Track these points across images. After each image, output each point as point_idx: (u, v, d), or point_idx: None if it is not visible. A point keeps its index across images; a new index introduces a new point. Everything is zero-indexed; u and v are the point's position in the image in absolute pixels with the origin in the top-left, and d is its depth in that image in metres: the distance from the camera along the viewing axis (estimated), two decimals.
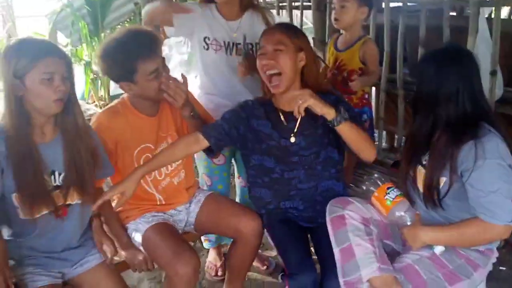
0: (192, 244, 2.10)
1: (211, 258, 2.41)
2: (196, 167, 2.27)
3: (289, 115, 1.78)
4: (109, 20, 5.31)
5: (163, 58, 1.75)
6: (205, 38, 2.03)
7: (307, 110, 1.63)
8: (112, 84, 5.21)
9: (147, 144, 1.83)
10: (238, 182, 2.35)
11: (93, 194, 1.64)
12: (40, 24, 6.75)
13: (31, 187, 1.47)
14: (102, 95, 5.56)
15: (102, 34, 5.34)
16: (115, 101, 1.84)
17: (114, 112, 1.79)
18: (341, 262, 1.55)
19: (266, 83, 1.77)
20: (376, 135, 3.14)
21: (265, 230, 1.88)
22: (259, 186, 1.88)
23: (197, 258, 1.71)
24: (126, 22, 5.98)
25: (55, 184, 1.56)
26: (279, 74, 1.71)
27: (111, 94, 5.35)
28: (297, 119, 1.76)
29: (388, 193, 1.61)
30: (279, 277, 1.73)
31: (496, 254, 1.60)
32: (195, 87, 2.15)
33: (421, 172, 1.56)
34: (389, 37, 3.00)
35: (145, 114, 1.82)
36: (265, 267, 2.42)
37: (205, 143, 1.76)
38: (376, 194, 1.63)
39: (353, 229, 1.57)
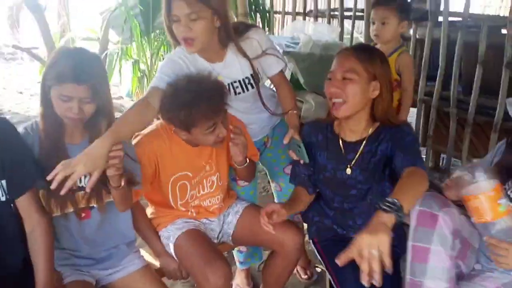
0: (225, 253, 2.06)
1: (239, 281, 2.33)
2: None
3: (349, 145, 1.67)
4: (160, 20, 5.39)
5: (225, 110, 1.65)
6: None
7: (370, 139, 1.62)
8: None
9: (185, 172, 1.79)
10: (273, 186, 2.30)
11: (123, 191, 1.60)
12: (93, 21, 6.96)
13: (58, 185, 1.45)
14: None
15: (152, 34, 5.44)
16: (158, 124, 1.77)
17: (156, 136, 1.74)
18: (411, 259, 1.45)
19: (330, 105, 1.63)
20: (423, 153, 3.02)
21: (311, 242, 1.82)
22: (316, 210, 1.83)
23: (229, 267, 1.68)
24: None
25: (80, 185, 1.57)
26: (344, 102, 1.57)
27: None
28: (359, 150, 1.65)
29: (502, 198, 1.35)
30: None
31: None
32: None
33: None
34: (445, 52, 2.88)
35: (187, 142, 1.76)
36: (306, 276, 2.35)
37: None
38: (490, 192, 1.34)
39: (441, 234, 1.42)
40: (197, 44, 1.64)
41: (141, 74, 5.64)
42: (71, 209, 1.56)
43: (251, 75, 1.84)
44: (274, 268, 1.89)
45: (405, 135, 1.59)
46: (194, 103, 1.54)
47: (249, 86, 1.86)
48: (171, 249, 1.78)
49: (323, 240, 1.78)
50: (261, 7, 5.89)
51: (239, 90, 1.84)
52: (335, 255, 1.57)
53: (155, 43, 5.72)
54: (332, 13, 4.08)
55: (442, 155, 3.48)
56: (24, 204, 1.44)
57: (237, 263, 2.32)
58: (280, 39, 3.68)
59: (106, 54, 5.91)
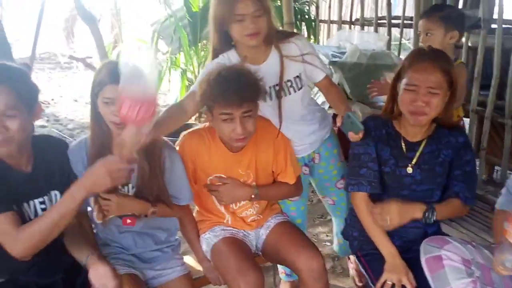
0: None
1: None
2: None
3: (410, 144, 1.68)
4: (207, 31, 5.51)
5: (251, 113, 1.62)
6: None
7: (430, 140, 1.65)
8: None
9: (221, 175, 1.81)
10: (325, 201, 2.27)
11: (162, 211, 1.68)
12: (144, 32, 7.21)
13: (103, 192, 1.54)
14: None
15: (199, 44, 5.56)
16: (203, 125, 1.83)
17: (198, 135, 1.80)
18: None
19: (404, 112, 1.62)
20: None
21: (355, 256, 1.80)
22: (355, 226, 1.80)
23: (262, 278, 1.67)
24: None
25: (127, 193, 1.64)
26: (425, 114, 1.58)
27: None
28: (418, 150, 1.67)
29: None
30: None
31: None
32: None
33: None
34: (499, 61, 2.77)
35: (228, 148, 1.78)
36: (361, 284, 2.32)
37: None
38: None
39: (453, 271, 1.45)
40: (260, 38, 1.72)
41: (189, 83, 5.77)
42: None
43: (295, 77, 1.84)
44: None
45: (465, 153, 1.66)
46: (223, 82, 1.58)
47: (291, 90, 1.85)
48: (208, 255, 1.81)
49: (366, 254, 1.76)
50: (306, 16, 5.90)
51: (291, 89, 1.84)
52: (379, 267, 1.59)
53: (202, 52, 5.85)
54: (379, 21, 4.02)
55: (496, 168, 3.33)
56: None
57: (282, 275, 2.30)
58: (325, 49, 3.67)
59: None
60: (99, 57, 6.49)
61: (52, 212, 1.37)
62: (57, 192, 1.53)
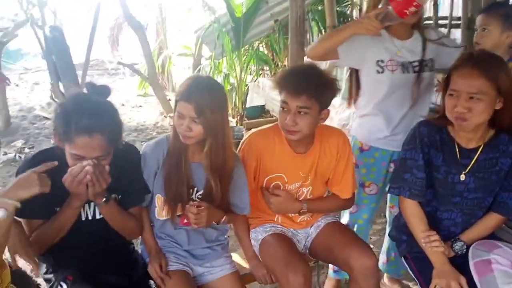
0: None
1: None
2: None
3: (465, 151, 1.63)
4: (249, 36, 5.60)
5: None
6: (378, 61, 1.97)
7: (487, 148, 1.60)
8: (248, 97, 5.49)
9: (281, 174, 1.84)
10: (391, 211, 2.25)
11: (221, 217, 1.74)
12: (188, 38, 7.41)
13: (173, 193, 1.65)
14: (236, 105, 5.88)
15: (242, 49, 5.66)
16: (271, 126, 1.86)
17: (264, 134, 1.84)
18: None
19: (449, 117, 1.58)
20: None
21: (403, 259, 1.79)
22: (402, 230, 1.79)
23: (309, 268, 1.69)
24: (263, 38, 6.28)
25: (192, 197, 1.70)
26: (466, 120, 1.53)
27: (247, 105, 5.62)
28: (474, 157, 1.62)
29: None
30: None
31: None
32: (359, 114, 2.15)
33: None
34: None
35: (293, 148, 1.80)
36: None
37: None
38: None
39: (502, 275, 1.42)
40: (414, 18, 1.88)
41: (231, 87, 5.88)
42: (179, 213, 1.70)
43: (423, 60, 1.97)
44: None
45: None
46: (295, 71, 1.73)
47: (426, 68, 1.98)
48: (256, 249, 1.85)
49: (415, 257, 1.74)
50: (349, 19, 5.88)
51: (417, 69, 1.98)
52: (428, 270, 1.57)
53: (244, 57, 5.94)
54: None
55: None
56: (134, 211, 1.67)
57: (330, 271, 2.32)
58: None
59: (199, 68, 6.26)
60: (146, 63, 6.74)
61: (58, 216, 1.48)
62: (116, 196, 1.60)
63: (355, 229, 2.15)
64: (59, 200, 1.48)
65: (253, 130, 1.89)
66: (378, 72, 1.96)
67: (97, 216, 1.57)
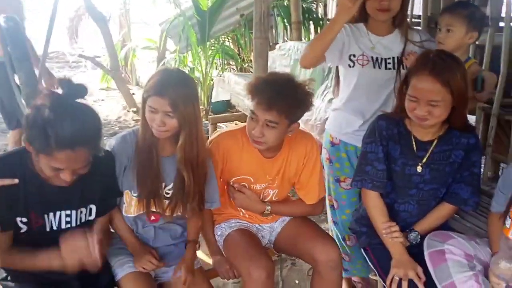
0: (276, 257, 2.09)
1: None
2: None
3: (421, 143, 1.70)
4: (215, 30, 5.56)
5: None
6: (350, 56, 1.98)
7: (441, 140, 1.67)
8: (213, 92, 5.45)
9: (248, 177, 1.84)
10: None
11: (194, 216, 1.74)
12: (152, 31, 7.27)
13: (147, 189, 1.63)
14: (202, 100, 5.83)
15: (208, 43, 5.61)
16: (240, 127, 1.85)
17: (232, 136, 1.82)
18: None
19: (410, 115, 1.63)
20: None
21: (363, 250, 1.83)
22: (362, 222, 1.84)
23: (272, 264, 1.71)
24: (229, 33, 6.25)
25: (165, 194, 1.69)
26: (427, 120, 1.60)
27: (212, 100, 5.58)
28: (429, 149, 1.69)
29: None
30: None
31: None
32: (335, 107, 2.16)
33: None
34: (507, 59, 2.77)
35: (261, 153, 1.80)
36: None
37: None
38: None
39: (455, 264, 1.48)
40: (391, 13, 1.92)
41: (196, 81, 5.82)
42: (153, 209, 1.68)
43: (399, 58, 1.97)
44: None
45: (474, 155, 1.69)
46: (269, 82, 1.69)
47: (395, 65, 1.97)
48: (221, 245, 1.85)
49: (374, 249, 1.79)
50: (314, 15, 5.93)
51: (390, 66, 1.98)
52: (387, 261, 1.62)
53: (210, 51, 5.89)
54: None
55: (501, 165, 3.34)
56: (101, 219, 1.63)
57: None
58: None
59: (164, 62, 6.16)
60: (108, 56, 6.58)
61: (36, 259, 1.41)
62: (93, 206, 1.56)
63: (340, 226, 2.16)
64: (21, 209, 1.41)
65: (221, 130, 1.87)
66: (349, 66, 1.98)
67: (63, 226, 1.51)
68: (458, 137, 1.69)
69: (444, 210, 1.75)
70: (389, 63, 1.98)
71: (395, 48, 1.99)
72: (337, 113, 2.13)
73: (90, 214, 1.56)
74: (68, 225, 1.51)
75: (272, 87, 1.65)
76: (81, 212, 1.54)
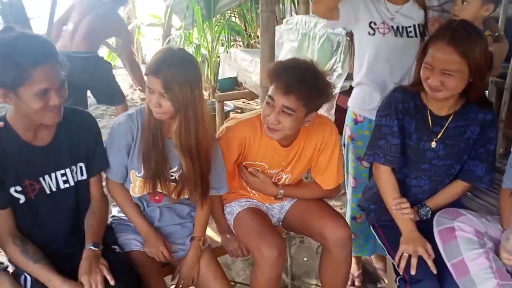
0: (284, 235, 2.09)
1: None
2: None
3: (437, 118, 1.66)
4: (221, 5, 5.46)
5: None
6: (370, 23, 1.95)
7: (457, 116, 1.64)
8: (220, 69, 5.39)
9: (262, 163, 1.82)
10: None
11: (204, 200, 1.71)
12: (156, 7, 7.16)
13: (152, 169, 1.61)
14: (208, 77, 5.78)
15: (213, 19, 5.51)
16: (255, 116, 1.80)
17: (251, 124, 1.77)
18: (456, 277, 1.45)
19: (424, 84, 1.59)
20: None
21: (371, 227, 1.82)
22: (371, 199, 1.82)
23: (283, 242, 1.72)
24: (235, 8, 6.13)
25: (171, 177, 1.67)
26: (440, 91, 1.56)
27: (219, 77, 5.53)
28: (445, 125, 1.65)
29: None
30: (396, 281, 1.62)
31: None
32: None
33: None
34: None
35: (278, 141, 1.77)
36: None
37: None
38: None
39: (465, 241, 1.47)
40: None
41: (202, 58, 5.75)
42: (159, 190, 1.67)
43: (423, 25, 1.95)
44: (324, 270, 1.87)
45: (490, 131, 1.66)
46: (289, 65, 1.65)
47: (418, 33, 1.95)
48: (231, 223, 1.85)
49: (383, 225, 1.78)
50: None
51: (411, 34, 1.95)
52: (396, 237, 1.61)
53: (216, 28, 5.80)
54: None
55: None
56: (94, 182, 1.64)
57: None
58: None
59: (169, 39, 6.09)
60: None
61: (42, 270, 1.40)
62: (82, 164, 1.57)
63: (356, 204, 2.13)
64: (13, 179, 1.41)
65: (236, 116, 1.83)
66: (369, 34, 1.94)
67: (62, 186, 1.52)
68: (475, 112, 1.65)
69: (457, 187, 1.72)
70: (411, 31, 1.94)
71: (415, 15, 1.95)
72: (359, 88, 2.09)
73: (82, 174, 1.57)
74: (67, 185, 1.53)
75: (292, 72, 1.60)
76: (73, 171, 1.54)
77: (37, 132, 1.46)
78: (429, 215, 1.68)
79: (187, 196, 1.69)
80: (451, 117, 1.66)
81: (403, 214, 1.65)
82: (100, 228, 1.58)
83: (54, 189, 1.51)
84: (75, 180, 1.56)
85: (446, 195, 1.72)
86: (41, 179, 1.48)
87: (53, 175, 1.50)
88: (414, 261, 1.54)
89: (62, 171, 1.52)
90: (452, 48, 1.49)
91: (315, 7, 1.98)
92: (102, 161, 1.63)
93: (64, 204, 1.54)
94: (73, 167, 1.55)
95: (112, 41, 6.86)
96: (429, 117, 1.67)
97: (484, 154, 1.67)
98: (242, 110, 5.16)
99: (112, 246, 1.63)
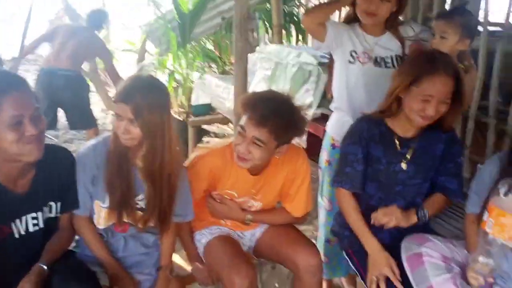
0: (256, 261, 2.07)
1: None
2: None
3: (404, 140, 1.73)
4: (196, 33, 5.52)
5: None
6: (351, 51, 2.01)
7: (422, 136, 1.70)
8: (194, 94, 5.40)
9: (233, 192, 1.82)
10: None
11: (166, 228, 1.69)
12: (132, 33, 7.19)
13: (117, 199, 1.58)
14: (182, 103, 5.77)
15: (188, 46, 5.55)
16: (226, 145, 1.80)
17: (221, 155, 1.77)
18: None
19: (411, 115, 1.65)
20: None
21: (344, 253, 1.83)
22: (344, 225, 1.82)
23: (254, 271, 1.71)
24: (210, 35, 6.21)
25: (138, 206, 1.64)
26: (432, 119, 1.64)
27: (192, 103, 5.53)
28: (412, 146, 1.72)
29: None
30: None
31: None
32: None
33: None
34: (484, 62, 2.82)
35: (248, 170, 1.76)
36: None
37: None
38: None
39: (433, 267, 1.49)
40: (380, 18, 1.96)
41: (176, 84, 5.75)
42: (125, 220, 1.64)
43: (401, 56, 2.02)
44: None
45: (454, 145, 1.76)
46: (265, 97, 1.68)
47: (395, 64, 2.01)
48: (201, 251, 1.82)
49: (356, 251, 1.78)
50: (295, 18, 5.94)
51: (389, 65, 2.01)
52: (363, 255, 1.66)
53: (190, 54, 5.84)
54: None
55: (479, 165, 3.39)
56: (64, 218, 1.61)
57: None
58: (314, 51, 3.69)
59: (142, 65, 6.09)
60: None
61: None
62: (54, 204, 1.54)
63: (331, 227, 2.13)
64: None
65: (206, 146, 1.85)
66: (349, 62, 1.99)
67: (31, 229, 1.47)
68: (438, 132, 1.72)
69: (439, 198, 1.77)
70: (388, 62, 2.00)
71: (393, 46, 2.02)
72: (337, 114, 2.12)
73: (51, 211, 1.54)
74: (36, 227, 1.49)
75: (267, 104, 1.60)
76: (45, 212, 1.51)
77: (16, 181, 1.43)
78: (426, 218, 1.72)
79: (153, 225, 1.66)
80: (417, 137, 1.72)
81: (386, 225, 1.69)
82: (57, 255, 1.53)
83: (23, 232, 1.47)
84: (44, 218, 1.52)
85: (435, 202, 1.77)
86: (12, 223, 1.44)
87: (23, 218, 1.46)
88: (382, 286, 1.57)
89: (34, 214, 1.48)
90: (449, 78, 1.58)
91: (305, 19, 2.04)
92: (75, 200, 1.60)
93: (31, 246, 1.49)
94: (45, 208, 1.51)
95: (85, 66, 6.84)
96: (396, 141, 1.73)
97: (454, 169, 1.74)
98: (216, 134, 5.17)
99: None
